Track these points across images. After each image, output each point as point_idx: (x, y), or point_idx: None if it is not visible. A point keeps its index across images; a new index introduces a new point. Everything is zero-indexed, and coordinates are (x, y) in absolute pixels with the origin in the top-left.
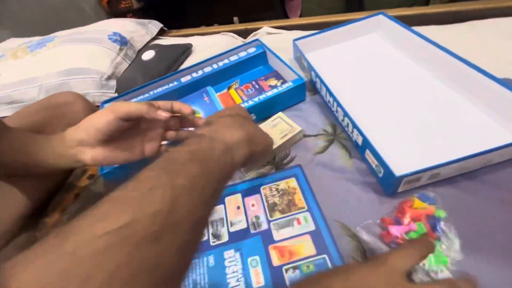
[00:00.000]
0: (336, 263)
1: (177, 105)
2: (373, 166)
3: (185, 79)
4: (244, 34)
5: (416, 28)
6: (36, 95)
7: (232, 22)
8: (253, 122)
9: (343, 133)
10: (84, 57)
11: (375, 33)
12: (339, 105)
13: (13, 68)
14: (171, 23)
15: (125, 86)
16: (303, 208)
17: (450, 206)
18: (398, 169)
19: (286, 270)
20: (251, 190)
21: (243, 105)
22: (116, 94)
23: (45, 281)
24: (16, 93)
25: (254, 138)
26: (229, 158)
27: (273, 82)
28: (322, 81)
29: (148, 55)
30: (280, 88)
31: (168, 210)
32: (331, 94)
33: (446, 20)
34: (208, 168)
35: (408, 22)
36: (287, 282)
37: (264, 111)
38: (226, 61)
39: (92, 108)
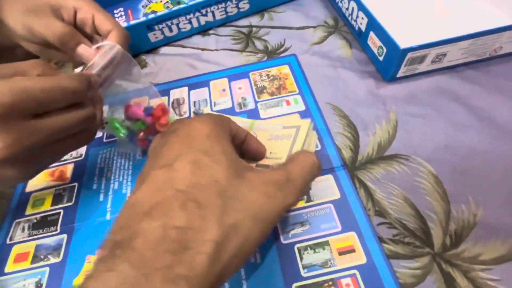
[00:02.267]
0: (324, 138)
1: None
2: (375, 50)
3: None
4: None
5: None
6: None
7: None
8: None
9: (345, 27)
10: None
11: None
12: None
13: None
14: None
15: None
16: (294, 91)
17: (451, 94)
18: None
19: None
20: (239, 75)
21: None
22: None
23: None
24: None
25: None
26: None
27: None
28: None
29: None
30: None
31: None
32: None
33: None
34: None
35: None
36: None
37: (260, 1)
38: None
39: None
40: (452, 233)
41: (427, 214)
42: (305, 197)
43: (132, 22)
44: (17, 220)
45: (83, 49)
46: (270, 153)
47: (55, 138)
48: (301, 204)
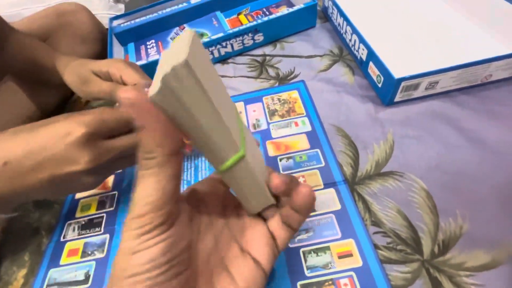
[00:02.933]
0: (328, 156)
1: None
2: (374, 78)
3: (194, 0)
4: None
5: None
6: None
7: None
8: None
9: (349, 55)
10: None
11: None
12: (348, 23)
13: None
14: None
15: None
16: (302, 114)
17: (444, 118)
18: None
19: (280, 159)
20: (254, 99)
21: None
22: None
23: None
24: (26, 11)
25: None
26: None
27: (284, 10)
28: (334, 3)
29: None
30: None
31: None
32: (342, 15)
33: None
34: None
35: None
36: (281, 169)
37: (272, 32)
38: None
39: (97, 21)
40: (440, 242)
41: (418, 225)
42: None
43: None
44: (69, 222)
45: (122, 91)
46: None
47: (122, 155)
48: None
